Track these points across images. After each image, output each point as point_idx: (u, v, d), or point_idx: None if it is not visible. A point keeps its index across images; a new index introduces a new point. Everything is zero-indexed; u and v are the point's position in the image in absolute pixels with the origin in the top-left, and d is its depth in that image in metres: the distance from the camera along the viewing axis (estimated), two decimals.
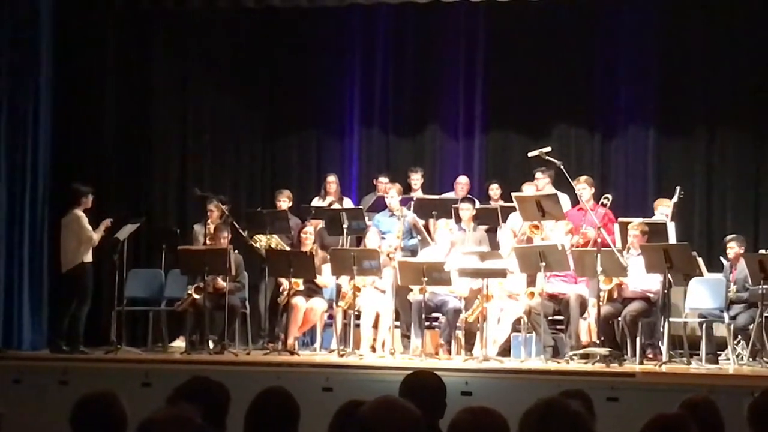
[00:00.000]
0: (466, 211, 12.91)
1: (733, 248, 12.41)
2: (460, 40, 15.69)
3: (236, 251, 12.91)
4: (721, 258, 12.68)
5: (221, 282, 12.43)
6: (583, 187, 12.65)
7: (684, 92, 14.96)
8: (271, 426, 4.58)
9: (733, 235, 12.71)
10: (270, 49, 15.65)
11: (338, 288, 12.49)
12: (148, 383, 10.42)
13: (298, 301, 12.41)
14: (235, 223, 13.15)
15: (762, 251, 12.10)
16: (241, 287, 12.79)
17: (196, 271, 12.40)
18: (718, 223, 14.76)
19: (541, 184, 13.29)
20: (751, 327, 11.77)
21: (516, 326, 12.12)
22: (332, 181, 14.39)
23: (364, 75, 15.88)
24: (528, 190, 13.26)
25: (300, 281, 12.47)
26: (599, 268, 11.44)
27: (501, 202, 13.64)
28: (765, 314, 11.83)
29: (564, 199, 12.93)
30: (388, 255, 12.60)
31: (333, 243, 13.25)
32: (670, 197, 13.00)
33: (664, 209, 13.06)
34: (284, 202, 13.81)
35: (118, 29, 14.95)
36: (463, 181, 14.44)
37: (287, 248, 13.18)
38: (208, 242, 13.05)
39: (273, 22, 15.56)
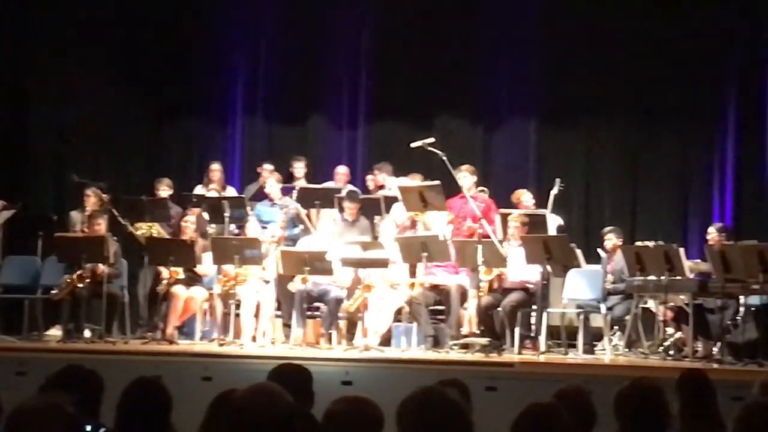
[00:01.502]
0: (351, 209, 12.91)
1: (611, 240, 12.60)
2: (345, 29, 15.71)
3: (115, 239, 12.72)
4: (599, 249, 12.86)
5: (101, 266, 12.24)
6: (464, 176, 12.70)
7: (565, 86, 15.14)
8: (143, 415, 4.55)
9: (611, 227, 12.92)
10: (152, 33, 15.45)
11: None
12: (23, 372, 10.19)
13: (178, 289, 12.29)
14: (113, 210, 12.97)
15: (639, 243, 12.29)
16: (119, 273, 12.61)
17: (73, 259, 12.20)
18: (596, 214, 15.01)
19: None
20: (627, 318, 11.98)
21: (397, 316, 12.15)
22: (216, 169, 14.28)
23: (248, 62, 15.81)
24: (413, 181, 13.29)
25: (180, 270, 12.36)
26: (480, 259, 11.52)
27: (385, 192, 13.68)
28: (641, 305, 12.07)
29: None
30: (270, 243, 12.54)
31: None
32: (548, 189, 13.14)
33: (527, 196, 13.22)
34: (164, 190, 13.70)
35: None
36: (342, 171, 14.43)
37: (168, 236, 13.07)
38: (85, 229, 12.85)
39: (156, 7, 15.38)
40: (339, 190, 13.61)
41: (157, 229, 13.17)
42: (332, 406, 3.80)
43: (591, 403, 5.08)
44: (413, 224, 12.61)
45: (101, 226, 12.53)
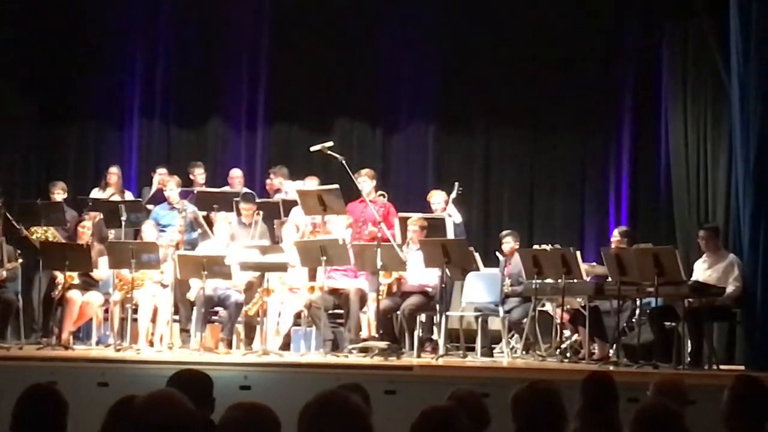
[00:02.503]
0: (247, 210, 12.87)
1: (509, 243, 12.71)
2: (244, 32, 15.67)
3: (19, 251, 12.49)
4: (497, 253, 12.95)
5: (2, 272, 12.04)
6: (364, 180, 12.71)
7: (463, 90, 15.30)
8: (38, 423, 4.47)
9: (508, 231, 13.03)
10: (46, 33, 15.21)
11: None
12: None
13: (74, 294, 12.11)
14: (8, 214, 12.75)
15: (536, 246, 12.41)
16: (13, 278, 12.39)
17: None
18: (494, 218, 15.14)
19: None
20: (524, 321, 12.08)
21: (296, 320, 12.12)
22: (114, 172, 14.14)
23: (145, 64, 15.66)
24: (310, 184, 13.28)
25: (75, 275, 12.18)
26: (379, 263, 11.52)
27: (283, 195, 13.66)
28: (538, 308, 12.19)
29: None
30: (168, 247, 12.43)
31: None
32: (449, 192, 13.19)
33: (438, 198, 13.22)
34: (59, 194, 13.50)
35: None
36: (236, 174, 14.39)
37: (64, 240, 12.88)
38: None
39: (49, 4, 15.15)
40: (237, 194, 13.54)
41: (52, 233, 12.97)
42: (227, 413, 3.77)
43: (484, 405, 5.14)
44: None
45: None
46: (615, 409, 5.39)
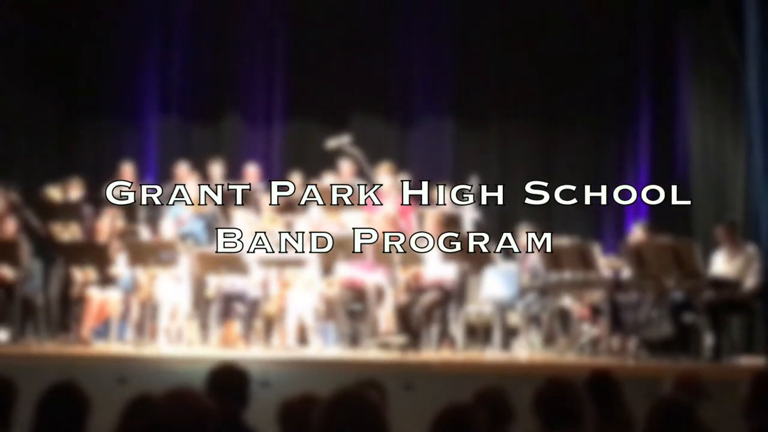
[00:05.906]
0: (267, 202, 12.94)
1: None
2: (260, 27, 15.68)
3: (29, 241, 12.51)
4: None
5: (7, 272, 12.06)
6: (382, 176, 12.69)
7: (479, 83, 15.27)
8: (60, 421, 4.46)
9: (525, 224, 12.95)
10: (64, 31, 15.27)
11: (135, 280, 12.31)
12: None
13: (93, 292, 12.13)
14: (25, 212, 12.77)
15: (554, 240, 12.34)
16: (30, 276, 12.40)
17: None
18: (512, 212, 15.06)
19: (346, 172, 13.31)
20: (543, 315, 12.04)
21: (314, 315, 12.10)
22: (127, 170, 14.09)
23: (162, 60, 15.69)
24: (328, 179, 13.27)
25: (93, 271, 12.19)
26: (396, 258, 11.50)
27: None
28: (557, 302, 12.13)
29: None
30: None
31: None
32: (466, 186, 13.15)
33: (443, 196, 13.14)
34: (74, 191, 13.47)
35: None
36: (251, 170, 14.29)
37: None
38: None
39: (68, 3, 15.18)
40: (257, 190, 13.54)
41: (75, 230, 12.98)
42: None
43: (508, 402, 5.13)
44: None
45: (11, 228, 12.33)
46: (618, 403, 5.38)
